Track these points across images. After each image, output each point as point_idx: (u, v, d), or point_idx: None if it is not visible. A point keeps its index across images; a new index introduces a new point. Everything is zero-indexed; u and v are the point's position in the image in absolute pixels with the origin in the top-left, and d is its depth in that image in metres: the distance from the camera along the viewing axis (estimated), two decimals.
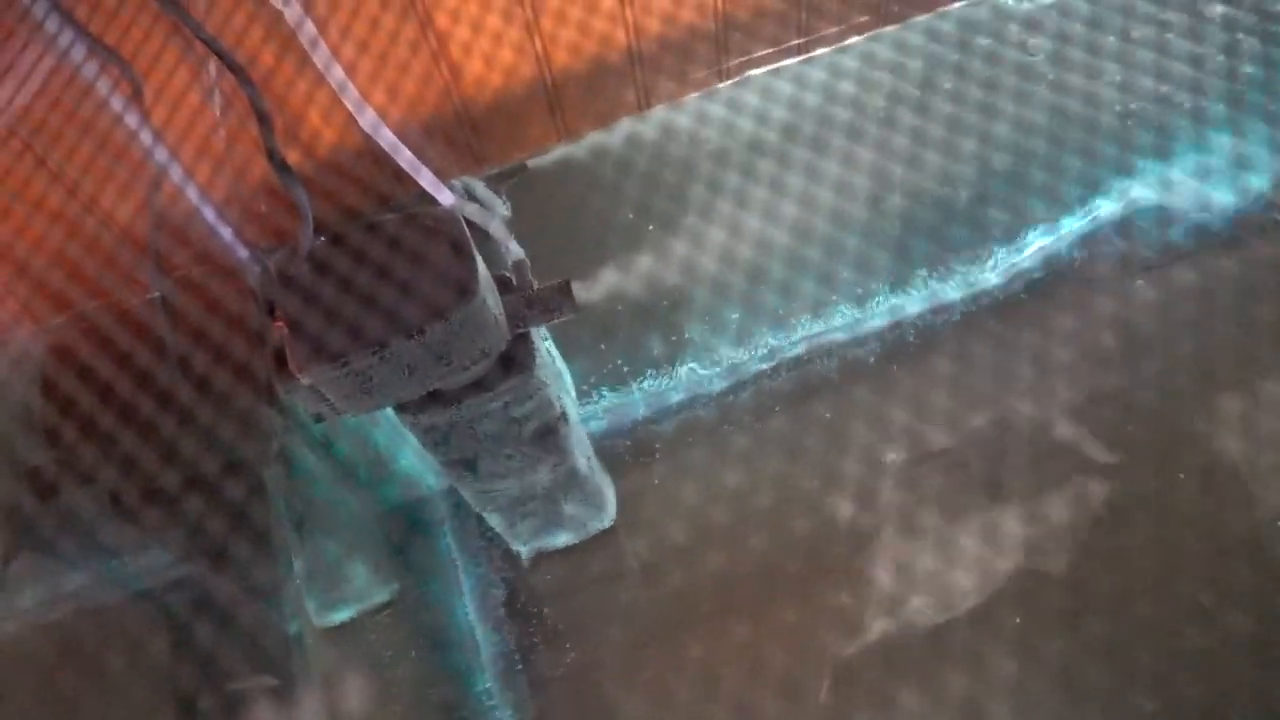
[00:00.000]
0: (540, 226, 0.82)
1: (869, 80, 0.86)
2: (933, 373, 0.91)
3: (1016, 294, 0.91)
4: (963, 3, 0.82)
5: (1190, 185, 0.91)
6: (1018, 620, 0.79)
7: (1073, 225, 0.93)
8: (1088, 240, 0.93)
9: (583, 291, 0.86)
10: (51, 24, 0.51)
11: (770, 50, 0.69)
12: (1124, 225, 0.93)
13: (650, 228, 0.88)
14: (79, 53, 0.54)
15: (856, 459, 0.90)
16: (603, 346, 0.93)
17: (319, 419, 0.61)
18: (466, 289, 0.58)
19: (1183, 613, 0.76)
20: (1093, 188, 0.91)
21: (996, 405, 0.87)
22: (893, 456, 0.90)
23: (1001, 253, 0.92)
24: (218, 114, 0.62)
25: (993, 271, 0.92)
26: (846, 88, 0.93)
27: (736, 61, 0.69)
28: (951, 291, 0.92)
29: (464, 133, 0.67)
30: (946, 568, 0.81)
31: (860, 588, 0.82)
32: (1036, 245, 0.93)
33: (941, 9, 0.69)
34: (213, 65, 0.61)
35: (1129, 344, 0.87)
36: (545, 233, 0.84)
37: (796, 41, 0.70)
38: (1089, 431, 0.85)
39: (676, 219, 0.89)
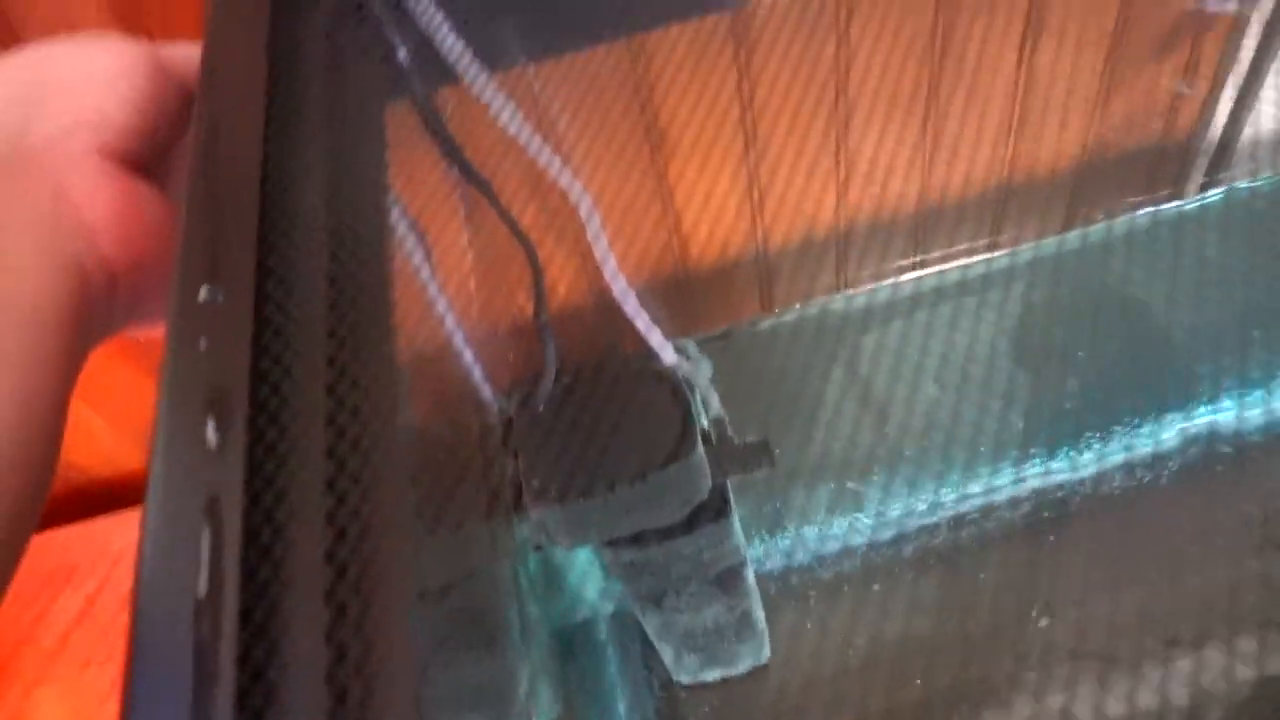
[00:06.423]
0: (735, 387, 0.88)
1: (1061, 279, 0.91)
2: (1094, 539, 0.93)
3: None
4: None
5: None
6: None
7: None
8: None
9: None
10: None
11: (962, 247, 0.75)
12: None
13: (831, 394, 0.94)
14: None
15: (1009, 617, 0.91)
16: (766, 490, 0.97)
17: (538, 548, 0.67)
18: (687, 441, 0.64)
19: None
20: None
21: None
22: (1045, 621, 0.91)
23: None
24: (470, 262, 0.71)
25: None
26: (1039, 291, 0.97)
27: (932, 255, 0.75)
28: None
29: (683, 298, 0.74)
30: None
31: None
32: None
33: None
34: (464, 214, 0.69)
35: None
36: (738, 393, 0.90)
37: (984, 241, 0.76)
38: None
39: (854, 389, 0.94)
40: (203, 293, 0.25)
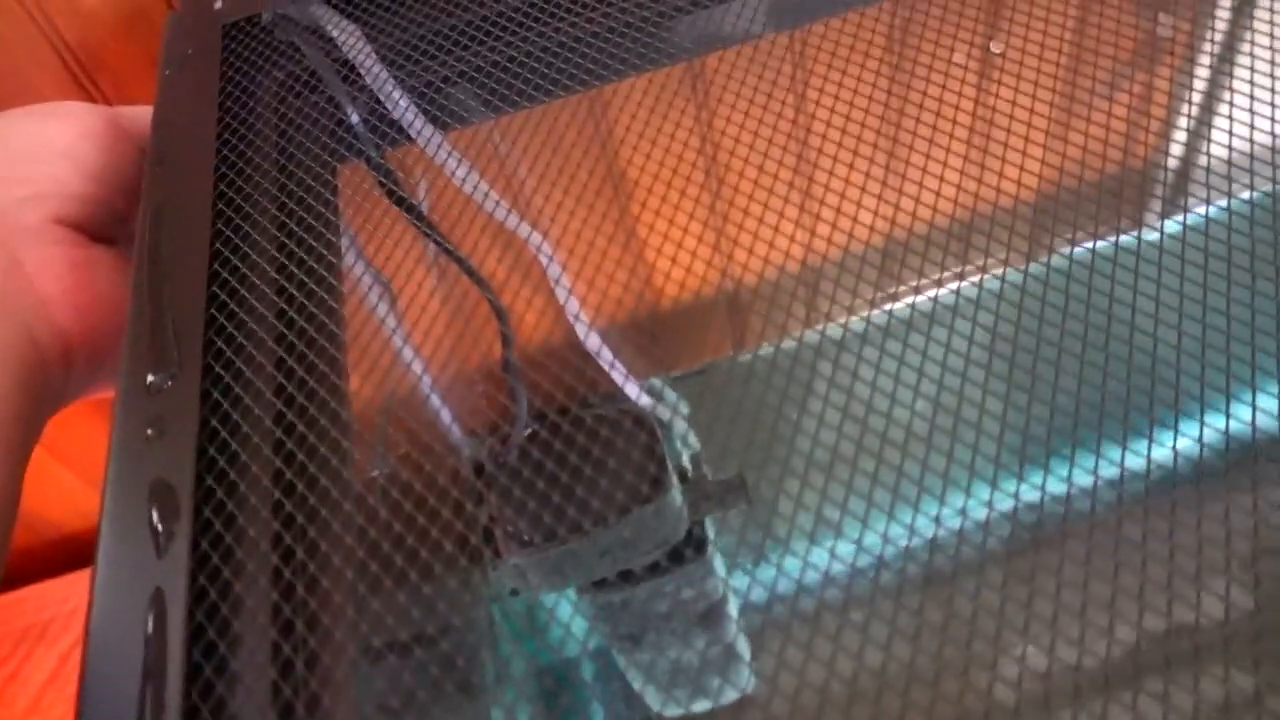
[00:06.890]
0: (712, 424, 0.88)
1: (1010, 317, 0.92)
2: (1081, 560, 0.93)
3: None
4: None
5: None
6: None
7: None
8: None
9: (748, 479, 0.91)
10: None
11: (931, 278, 0.75)
12: None
13: (808, 426, 0.94)
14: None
15: (1002, 644, 0.91)
16: (747, 522, 0.97)
17: (515, 594, 0.66)
18: (660, 483, 0.64)
19: None
20: None
21: None
22: (1040, 647, 0.91)
23: None
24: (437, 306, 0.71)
25: None
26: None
27: (902, 287, 0.75)
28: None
29: (654, 338, 0.74)
30: None
31: None
32: None
33: None
34: (433, 253, 0.69)
35: None
36: (716, 430, 0.90)
37: (952, 271, 0.76)
38: None
39: (832, 419, 0.95)
40: (150, 377, 0.25)
